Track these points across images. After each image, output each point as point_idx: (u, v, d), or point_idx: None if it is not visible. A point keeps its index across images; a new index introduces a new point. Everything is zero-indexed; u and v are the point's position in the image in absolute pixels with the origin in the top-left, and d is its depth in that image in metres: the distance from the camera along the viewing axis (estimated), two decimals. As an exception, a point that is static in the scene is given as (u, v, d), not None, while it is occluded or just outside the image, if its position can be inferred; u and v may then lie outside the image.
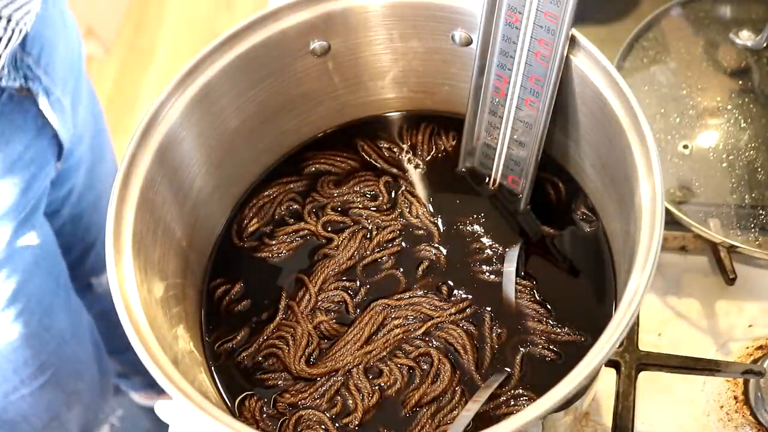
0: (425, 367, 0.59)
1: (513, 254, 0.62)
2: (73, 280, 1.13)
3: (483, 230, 0.65)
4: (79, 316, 1.12)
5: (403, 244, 0.65)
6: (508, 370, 0.58)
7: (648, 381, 0.67)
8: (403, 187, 0.68)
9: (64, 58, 0.91)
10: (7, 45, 0.77)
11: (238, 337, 0.62)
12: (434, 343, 0.60)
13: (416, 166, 0.70)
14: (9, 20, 0.76)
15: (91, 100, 1.09)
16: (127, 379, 1.50)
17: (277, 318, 0.62)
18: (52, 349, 1.03)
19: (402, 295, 0.62)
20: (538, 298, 0.61)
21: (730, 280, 0.70)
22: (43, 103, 0.86)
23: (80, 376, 1.13)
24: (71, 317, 1.08)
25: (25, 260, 0.92)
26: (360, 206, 0.67)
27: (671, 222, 0.72)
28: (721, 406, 0.69)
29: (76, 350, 1.10)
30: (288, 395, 0.59)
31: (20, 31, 0.78)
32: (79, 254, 1.18)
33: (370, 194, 0.68)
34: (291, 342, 0.61)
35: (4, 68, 0.78)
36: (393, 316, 0.61)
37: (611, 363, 0.66)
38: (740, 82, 0.82)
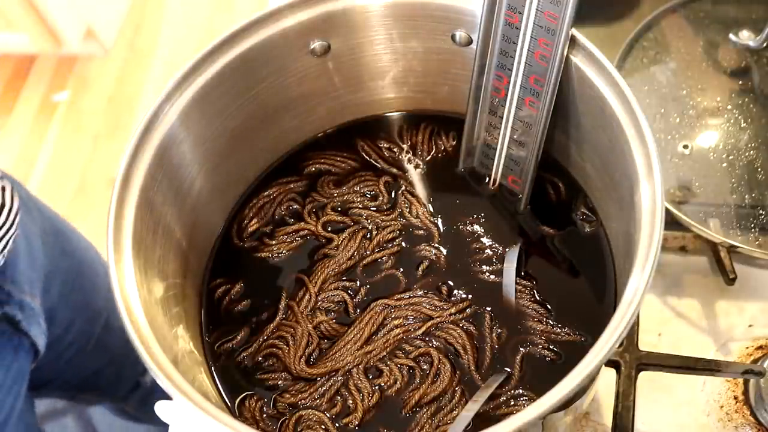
0: (425, 367, 0.59)
1: (513, 254, 0.62)
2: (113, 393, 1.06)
3: (483, 230, 0.65)
4: None
5: (403, 244, 0.65)
6: (508, 370, 0.58)
7: (648, 381, 0.67)
8: (403, 187, 0.68)
9: (26, 254, 0.83)
10: None
11: (238, 337, 0.62)
12: (434, 343, 0.60)
13: (416, 166, 0.70)
14: None
15: (70, 254, 0.98)
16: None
17: (277, 318, 0.62)
18: None
19: (402, 295, 0.62)
20: (538, 298, 0.61)
21: (730, 280, 0.70)
22: (21, 318, 0.78)
23: None
24: None
25: None
26: (360, 206, 0.67)
27: (671, 222, 0.72)
28: (721, 406, 0.69)
29: None
30: (288, 395, 0.59)
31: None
32: (92, 374, 1.07)
33: (370, 194, 0.68)
34: (291, 342, 0.61)
35: None
36: (393, 316, 0.61)
37: (611, 363, 0.66)
38: (740, 82, 0.82)
